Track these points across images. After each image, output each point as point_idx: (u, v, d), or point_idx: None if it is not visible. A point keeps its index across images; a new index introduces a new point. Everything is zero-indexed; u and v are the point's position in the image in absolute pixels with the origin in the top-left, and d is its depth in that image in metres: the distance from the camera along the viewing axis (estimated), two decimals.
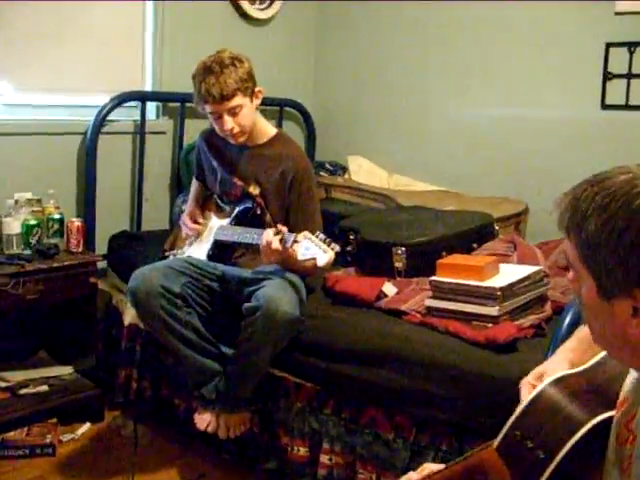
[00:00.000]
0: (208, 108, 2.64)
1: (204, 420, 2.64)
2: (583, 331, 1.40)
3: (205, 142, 2.92)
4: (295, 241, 2.35)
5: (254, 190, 2.73)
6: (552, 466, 1.13)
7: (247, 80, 2.64)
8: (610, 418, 1.16)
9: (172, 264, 2.69)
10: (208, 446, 2.82)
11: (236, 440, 2.66)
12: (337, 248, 2.32)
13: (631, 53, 3.31)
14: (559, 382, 1.24)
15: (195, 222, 2.93)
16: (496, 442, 1.21)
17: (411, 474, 1.31)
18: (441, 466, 1.24)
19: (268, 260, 2.51)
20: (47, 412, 2.97)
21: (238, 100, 2.61)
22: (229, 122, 2.63)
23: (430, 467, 1.25)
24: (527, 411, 1.21)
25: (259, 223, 2.69)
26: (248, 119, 2.68)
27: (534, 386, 1.31)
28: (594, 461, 1.16)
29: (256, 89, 2.70)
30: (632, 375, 1.16)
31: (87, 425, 3.07)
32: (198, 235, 2.90)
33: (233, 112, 2.63)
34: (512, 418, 1.22)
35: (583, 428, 1.15)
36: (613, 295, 0.99)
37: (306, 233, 2.35)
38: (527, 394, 1.30)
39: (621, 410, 1.14)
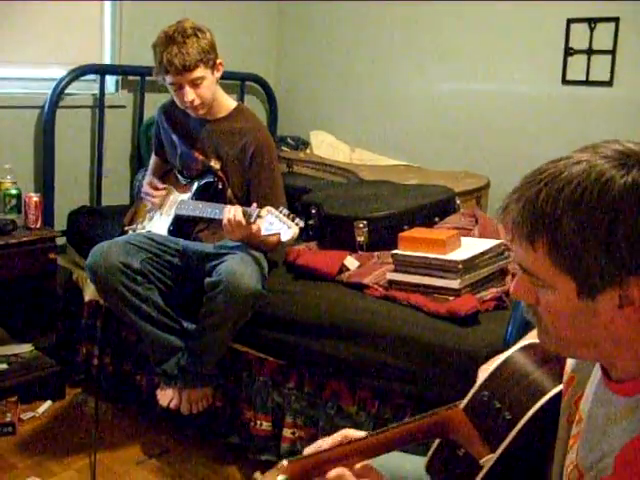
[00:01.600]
0: (169, 79, 2.60)
1: (166, 396, 2.63)
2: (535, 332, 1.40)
3: (164, 116, 2.88)
4: (259, 216, 2.34)
5: (215, 164, 2.71)
6: (518, 427, 1.15)
7: (209, 51, 2.61)
8: None
9: (132, 239, 2.66)
10: (171, 422, 2.82)
11: (199, 415, 2.65)
12: (301, 224, 2.31)
13: (592, 29, 3.33)
14: (528, 349, 1.26)
15: (156, 189, 2.90)
16: (464, 402, 1.24)
17: (324, 439, 1.29)
18: (362, 433, 1.23)
19: (231, 236, 2.49)
20: (7, 390, 2.93)
21: (200, 72, 2.58)
22: (190, 93, 2.60)
23: (349, 432, 1.24)
24: (495, 374, 1.24)
25: (220, 198, 2.67)
26: (209, 91, 2.65)
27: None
28: (553, 433, 1.18)
29: (217, 61, 2.67)
30: None
31: (48, 403, 3.04)
32: (159, 207, 2.87)
33: (194, 83, 2.59)
34: (480, 380, 1.24)
35: (549, 393, 1.17)
36: (599, 290, 0.94)
37: (270, 208, 2.34)
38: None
39: (569, 389, 1.15)
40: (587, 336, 0.99)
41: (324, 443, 1.23)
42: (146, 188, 2.92)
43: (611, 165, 0.93)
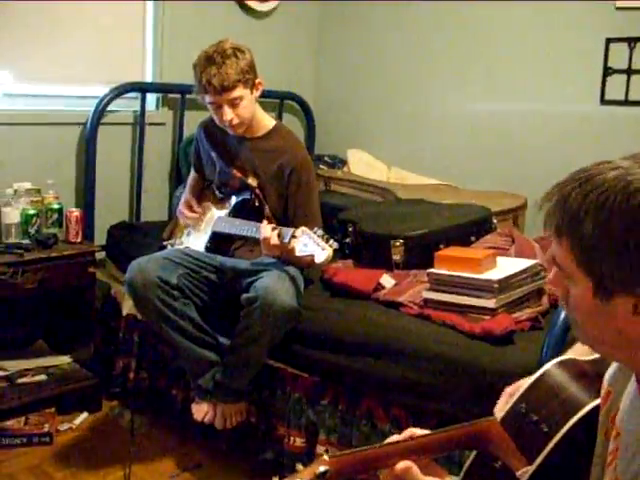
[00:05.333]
0: (208, 98, 2.63)
1: (201, 410, 2.65)
2: (575, 349, 1.40)
3: (204, 133, 2.91)
4: (293, 236, 2.36)
5: (252, 182, 2.73)
6: (555, 440, 1.15)
7: (248, 71, 2.63)
8: None
9: (169, 255, 2.70)
10: (205, 436, 2.83)
11: (233, 430, 2.67)
12: (335, 245, 2.32)
13: (631, 49, 3.31)
14: (564, 364, 1.26)
15: (191, 210, 2.93)
16: (501, 414, 1.24)
17: (394, 437, 1.30)
18: (425, 431, 1.24)
19: (268, 253, 2.52)
20: (45, 401, 2.98)
21: (239, 91, 2.61)
22: (229, 113, 2.63)
23: (415, 431, 1.25)
24: (533, 387, 1.24)
25: (258, 215, 2.69)
26: (248, 110, 2.67)
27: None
28: (591, 446, 1.18)
29: (256, 81, 2.69)
30: (613, 365, 1.16)
31: (84, 415, 3.08)
32: (196, 224, 2.90)
33: (233, 103, 2.62)
34: (518, 393, 1.25)
35: (586, 407, 1.17)
36: (613, 294, 0.96)
37: (304, 229, 2.35)
38: (504, 404, 1.31)
39: (606, 404, 1.15)
40: (607, 336, 1.00)
41: (392, 438, 1.25)
42: (182, 207, 2.95)
43: None
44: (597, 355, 1.27)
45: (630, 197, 0.92)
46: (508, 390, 1.38)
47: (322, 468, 1.12)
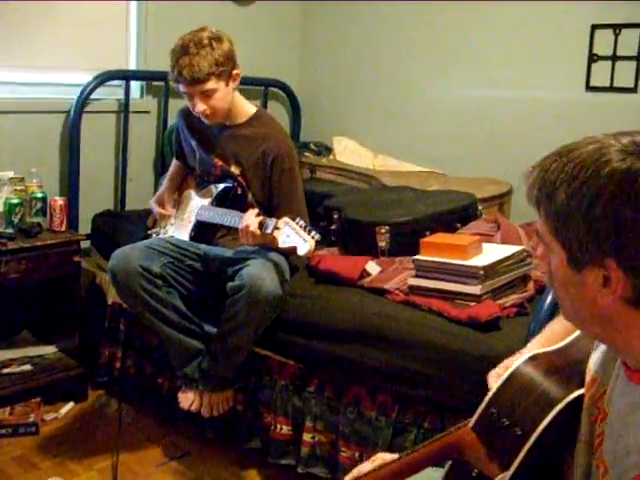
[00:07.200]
0: (181, 88, 2.60)
1: (188, 399, 2.65)
2: (555, 324, 1.40)
3: (184, 120, 2.87)
4: (276, 227, 2.34)
5: (235, 170, 2.71)
6: (529, 443, 1.13)
7: (223, 63, 2.56)
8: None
9: (153, 244, 2.68)
10: (192, 425, 2.83)
11: (219, 419, 2.66)
12: (317, 237, 2.29)
13: (616, 35, 3.31)
14: (533, 360, 1.24)
15: (162, 207, 2.90)
16: (472, 421, 1.22)
17: (363, 465, 1.30)
18: (394, 456, 1.23)
19: (246, 243, 2.50)
20: (30, 391, 2.97)
21: (211, 84, 2.56)
22: (200, 105, 2.59)
23: (383, 457, 1.24)
24: (502, 389, 1.21)
25: (241, 203, 2.67)
26: (222, 102, 2.62)
27: (498, 375, 1.31)
28: (569, 438, 1.17)
29: (234, 72, 2.63)
30: (599, 351, 1.16)
31: (70, 404, 3.07)
32: (182, 212, 2.88)
33: (206, 95, 2.58)
34: (487, 397, 1.22)
35: (559, 405, 1.15)
36: (584, 265, 0.98)
37: (287, 220, 2.32)
38: (493, 382, 1.30)
39: (591, 390, 1.14)
40: (583, 311, 1.02)
41: (363, 468, 1.25)
42: (152, 203, 2.93)
43: (617, 149, 0.96)
44: (566, 341, 1.27)
45: (600, 168, 0.95)
46: (493, 372, 1.38)
47: None
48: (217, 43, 2.57)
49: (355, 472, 1.26)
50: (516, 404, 1.18)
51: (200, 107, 2.60)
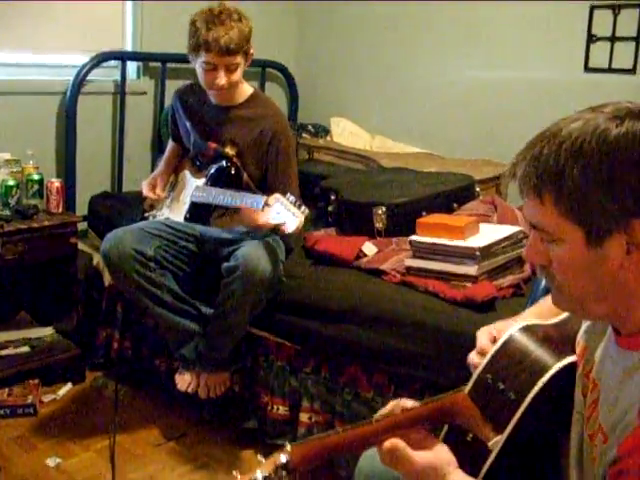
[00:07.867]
0: (205, 57, 2.53)
1: (185, 380, 2.66)
2: (550, 299, 1.40)
3: (179, 101, 2.85)
4: (266, 204, 2.33)
5: (230, 150, 2.68)
6: (523, 406, 1.16)
7: (249, 40, 2.58)
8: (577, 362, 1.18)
9: (146, 227, 2.67)
10: (189, 406, 2.84)
11: (216, 400, 2.67)
12: (306, 212, 2.28)
13: (615, 15, 3.29)
14: (528, 329, 1.26)
15: (153, 191, 2.87)
16: (468, 386, 1.24)
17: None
18: (416, 403, 1.23)
19: (253, 226, 2.48)
20: (28, 373, 2.97)
21: (239, 58, 2.56)
22: (222, 78, 2.56)
23: (405, 402, 1.25)
24: (497, 355, 1.24)
25: (236, 183, 2.66)
26: (238, 78, 2.62)
27: (490, 334, 1.32)
28: (565, 407, 1.18)
29: (251, 51, 2.64)
30: (586, 323, 1.18)
31: (68, 385, 3.08)
32: (177, 193, 2.86)
33: (230, 69, 2.56)
34: (483, 363, 1.24)
35: (551, 369, 1.17)
36: (606, 236, 0.98)
37: (278, 196, 2.31)
38: (484, 337, 1.31)
39: (582, 360, 1.16)
40: (599, 288, 1.02)
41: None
42: (144, 186, 2.87)
43: (605, 118, 0.99)
44: (560, 318, 1.29)
45: (604, 137, 0.97)
46: (488, 329, 1.37)
47: (283, 458, 1.10)
48: (245, 20, 2.57)
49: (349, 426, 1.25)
50: (510, 370, 1.21)
51: (223, 80, 2.57)
